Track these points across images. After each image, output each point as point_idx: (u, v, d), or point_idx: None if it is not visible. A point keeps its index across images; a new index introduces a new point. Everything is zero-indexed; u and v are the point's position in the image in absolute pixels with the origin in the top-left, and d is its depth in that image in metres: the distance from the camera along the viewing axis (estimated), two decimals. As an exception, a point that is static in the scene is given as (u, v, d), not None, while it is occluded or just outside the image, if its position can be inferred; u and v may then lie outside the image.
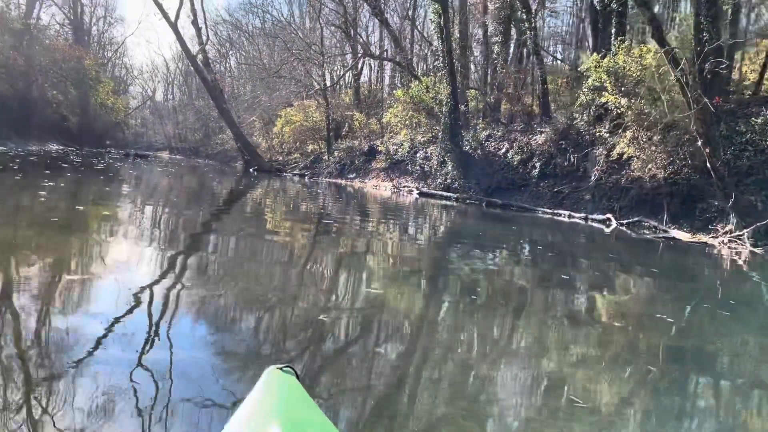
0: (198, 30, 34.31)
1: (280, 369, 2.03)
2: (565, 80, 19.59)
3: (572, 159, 16.70)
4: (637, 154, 12.88)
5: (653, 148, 12.65)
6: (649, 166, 12.73)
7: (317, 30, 31.39)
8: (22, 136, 26.00)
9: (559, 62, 28.29)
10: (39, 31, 31.13)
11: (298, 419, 1.73)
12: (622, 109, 12.83)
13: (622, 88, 13.04)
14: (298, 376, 2.04)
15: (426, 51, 36.51)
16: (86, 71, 31.06)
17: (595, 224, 14.08)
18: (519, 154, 18.72)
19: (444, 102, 19.42)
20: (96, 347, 3.16)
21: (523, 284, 6.79)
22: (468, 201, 18.31)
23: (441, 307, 5.35)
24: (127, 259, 5.68)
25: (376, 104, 31.48)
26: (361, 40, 32.59)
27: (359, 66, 32.40)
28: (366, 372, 3.40)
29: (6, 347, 3.05)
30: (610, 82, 13.03)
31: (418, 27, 34.74)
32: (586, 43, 32.76)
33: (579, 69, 15.13)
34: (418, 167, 22.48)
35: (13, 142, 24.06)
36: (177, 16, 30.46)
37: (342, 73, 33.39)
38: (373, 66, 39.14)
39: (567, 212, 15.23)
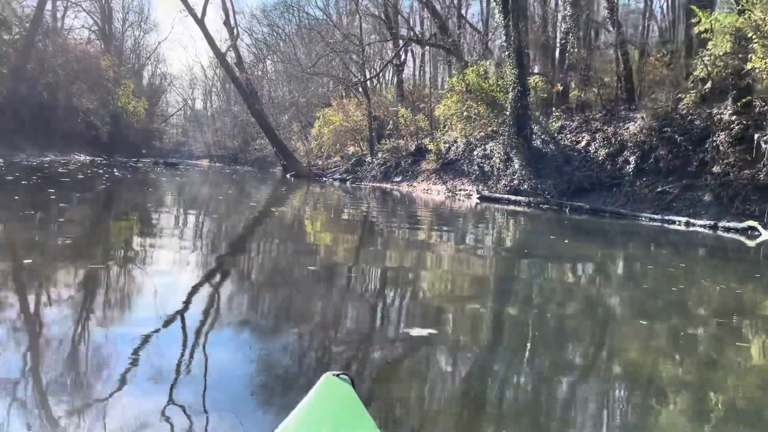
0: (230, 30, 32.37)
1: (337, 376, 1.89)
2: (658, 55, 16.05)
3: (681, 150, 13.20)
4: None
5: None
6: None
7: (356, 21, 28.75)
8: (40, 146, 23.88)
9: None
10: (54, 32, 29.18)
11: (349, 428, 1.69)
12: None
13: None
14: (354, 385, 1.89)
15: (474, 41, 33.30)
16: (102, 72, 28.97)
17: (727, 235, 10.60)
18: (605, 147, 15.34)
19: (510, 87, 16.19)
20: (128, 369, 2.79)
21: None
22: (543, 206, 15.02)
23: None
24: None
25: (422, 99, 28.47)
26: (404, 27, 29.70)
27: (402, 57, 29.43)
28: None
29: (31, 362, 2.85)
30: (758, 42, 9.54)
31: (463, 14, 31.58)
32: (656, 18, 28.88)
33: (697, 32, 11.61)
34: (476, 167, 19.32)
35: (27, 153, 21.83)
36: (203, 13, 28.47)
37: (384, 63, 30.55)
38: (416, 60, 36.18)
39: (684, 219, 11.74)
